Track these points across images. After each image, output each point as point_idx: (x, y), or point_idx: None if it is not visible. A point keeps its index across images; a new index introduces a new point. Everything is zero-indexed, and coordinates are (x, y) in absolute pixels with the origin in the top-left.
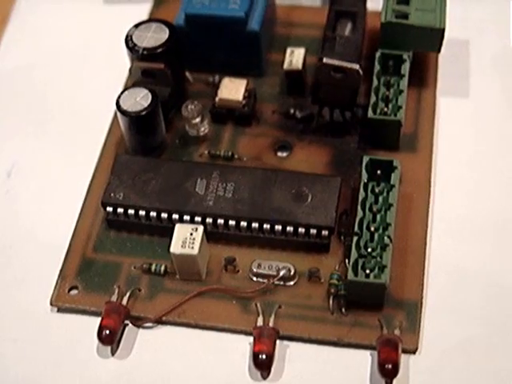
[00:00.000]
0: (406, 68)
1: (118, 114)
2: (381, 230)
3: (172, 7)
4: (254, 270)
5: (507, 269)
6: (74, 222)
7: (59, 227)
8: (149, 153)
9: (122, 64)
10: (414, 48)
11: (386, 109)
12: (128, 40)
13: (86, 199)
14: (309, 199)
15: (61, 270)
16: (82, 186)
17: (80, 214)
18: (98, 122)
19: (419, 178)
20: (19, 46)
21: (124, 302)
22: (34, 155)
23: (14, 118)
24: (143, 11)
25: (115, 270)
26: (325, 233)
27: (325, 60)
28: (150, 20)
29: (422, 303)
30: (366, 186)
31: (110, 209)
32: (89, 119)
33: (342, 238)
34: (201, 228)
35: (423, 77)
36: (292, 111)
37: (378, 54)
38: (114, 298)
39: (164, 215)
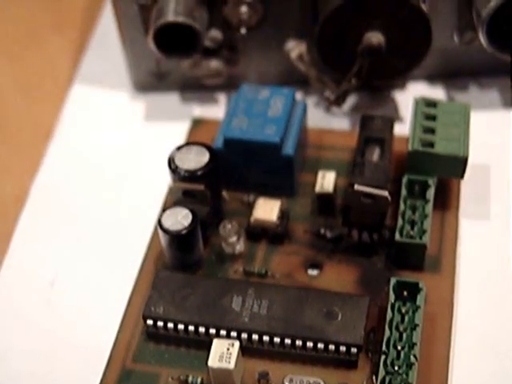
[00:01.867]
0: (430, 193)
1: (160, 231)
2: (407, 349)
3: (209, 128)
4: None
5: None
6: (114, 332)
7: (100, 338)
8: (187, 268)
9: (161, 182)
10: (439, 174)
11: (411, 232)
12: (170, 162)
13: (127, 311)
14: (339, 317)
15: (101, 380)
16: (122, 298)
17: (120, 325)
18: (138, 236)
19: (443, 298)
20: (63, 161)
21: None
22: (76, 265)
23: (58, 228)
24: (181, 131)
25: (153, 380)
26: (353, 350)
27: (356, 187)
28: (190, 143)
29: None
30: (393, 306)
31: (150, 322)
32: (129, 233)
33: (370, 354)
34: (237, 343)
35: (447, 200)
36: (322, 231)
37: (404, 180)
38: None
39: (202, 329)
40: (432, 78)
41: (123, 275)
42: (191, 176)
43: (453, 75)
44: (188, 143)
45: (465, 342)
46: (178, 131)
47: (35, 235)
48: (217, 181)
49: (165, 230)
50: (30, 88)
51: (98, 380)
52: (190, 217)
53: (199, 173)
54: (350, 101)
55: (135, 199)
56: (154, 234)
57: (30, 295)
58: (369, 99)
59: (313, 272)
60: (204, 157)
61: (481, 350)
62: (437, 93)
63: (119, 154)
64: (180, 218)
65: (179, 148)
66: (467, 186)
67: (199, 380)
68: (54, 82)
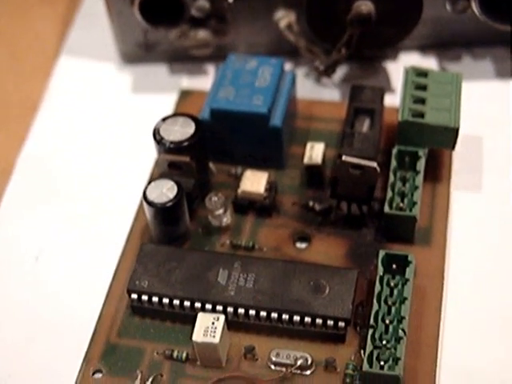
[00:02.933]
0: (421, 164)
1: (145, 204)
2: (395, 323)
3: (197, 100)
4: (273, 358)
5: None
6: (99, 307)
7: (85, 312)
8: (173, 241)
9: (147, 154)
10: (430, 145)
11: (401, 204)
12: (156, 133)
13: (112, 285)
14: (326, 291)
15: (86, 354)
16: (107, 273)
17: (105, 299)
18: (123, 209)
19: (433, 271)
20: (48, 133)
21: None
22: (61, 239)
23: (42, 203)
24: (169, 102)
25: (138, 355)
26: (341, 324)
27: (344, 158)
28: (176, 114)
29: None
30: (381, 279)
31: (134, 296)
32: (115, 207)
33: (358, 328)
34: (222, 317)
35: (438, 172)
36: (311, 204)
37: (394, 151)
38: (136, 383)
39: (187, 303)
40: (424, 48)
41: (109, 249)
42: (176, 147)
43: (445, 45)
44: (174, 114)
45: (455, 316)
46: (166, 103)
47: (20, 209)
48: (203, 153)
49: (149, 203)
50: (16, 61)
51: (83, 355)
52: (175, 189)
53: (185, 144)
54: (341, 71)
55: (122, 172)
56: (140, 207)
57: (15, 269)
58: (359, 70)
59: (301, 245)
60: (190, 128)
61: (472, 323)
62: (429, 63)
63: (106, 127)
64: (165, 191)
65: (165, 119)
66: (459, 158)
67: (184, 355)
68: (41, 55)
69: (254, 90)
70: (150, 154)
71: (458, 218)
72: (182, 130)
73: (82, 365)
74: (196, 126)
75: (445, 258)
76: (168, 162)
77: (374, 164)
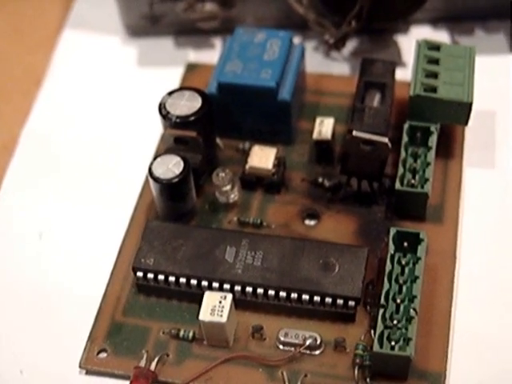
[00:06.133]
0: (433, 140)
1: (150, 180)
2: (406, 302)
3: (204, 74)
4: (281, 338)
5: None
6: (104, 285)
7: (90, 290)
8: (179, 218)
9: (154, 129)
10: (442, 120)
11: (413, 180)
12: (161, 108)
13: (117, 263)
14: (336, 269)
15: (90, 333)
16: (112, 250)
17: (110, 277)
18: (129, 186)
19: (445, 249)
20: (53, 109)
21: (152, 366)
22: (65, 216)
23: (47, 179)
24: (175, 76)
25: (144, 334)
26: (351, 303)
27: (354, 133)
28: (182, 88)
29: (445, 375)
30: (392, 257)
31: (140, 274)
32: (121, 183)
33: (368, 308)
34: (229, 296)
35: (450, 148)
36: (320, 180)
37: (406, 126)
38: (142, 363)
39: (193, 282)
40: (436, 22)
41: (114, 226)
42: (183, 122)
43: (458, 18)
44: (180, 88)
45: (468, 295)
46: (172, 77)
47: (24, 185)
48: (210, 127)
49: (155, 179)
50: (20, 35)
51: (87, 333)
52: (181, 164)
53: (191, 119)
54: (351, 45)
55: (127, 147)
56: (146, 184)
57: (19, 246)
58: (370, 43)
59: (310, 222)
60: (196, 102)
61: (484, 302)
62: (441, 37)
63: (111, 101)
64: (171, 166)
65: (171, 93)
66: (472, 134)
67: (191, 334)
68: (45, 28)
69: (262, 63)
70: (155, 128)
71: (470, 195)
72: (189, 105)
73: (87, 344)
74: (203, 100)
75: (457, 235)
76: (174, 137)
77: (386, 139)
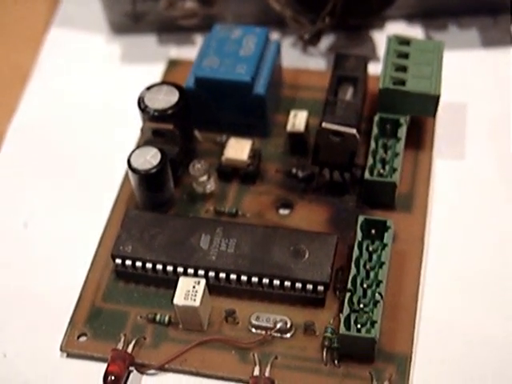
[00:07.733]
0: (402, 132)
1: (129, 171)
2: (374, 287)
3: (184, 69)
4: (253, 322)
5: (496, 324)
6: (85, 272)
7: (72, 277)
8: (158, 208)
9: (135, 122)
10: (411, 113)
11: (382, 170)
12: (140, 102)
13: (98, 251)
14: (306, 256)
15: (71, 318)
16: (93, 239)
17: (91, 264)
18: (110, 177)
19: (413, 237)
20: (39, 103)
21: (129, 349)
22: (50, 207)
23: (31, 170)
24: (157, 72)
25: (122, 318)
26: (320, 288)
27: (324, 125)
28: (161, 83)
29: (411, 357)
30: (360, 244)
31: (118, 261)
32: (102, 174)
33: (337, 293)
34: (203, 281)
35: (421, 139)
36: (294, 171)
37: (376, 118)
38: (120, 346)
39: (169, 268)
40: (411, 18)
41: (96, 216)
42: (160, 116)
43: (432, 15)
44: (158, 83)
45: (434, 281)
46: (155, 72)
47: (10, 176)
48: (187, 120)
49: (134, 170)
50: (7, 32)
51: (68, 318)
52: (158, 156)
53: (168, 112)
54: (327, 41)
55: (110, 140)
56: (127, 175)
57: (4, 235)
58: (346, 39)
59: (284, 211)
60: (174, 96)
61: (450, 288)
62: (416, 32)
63: (95, 96)
64: (149, 158)
65: (149, 88)
66: (442, 126)
67: (167, 318)
68: (31, 26)
69: (238, 58)
70: (137, 122)
71: (440, 185)
72: (166, 99)
73: (68, 328)
74: (180, 95)
75: (425, 224)
76: (152, 130)
77: (354, 131)
